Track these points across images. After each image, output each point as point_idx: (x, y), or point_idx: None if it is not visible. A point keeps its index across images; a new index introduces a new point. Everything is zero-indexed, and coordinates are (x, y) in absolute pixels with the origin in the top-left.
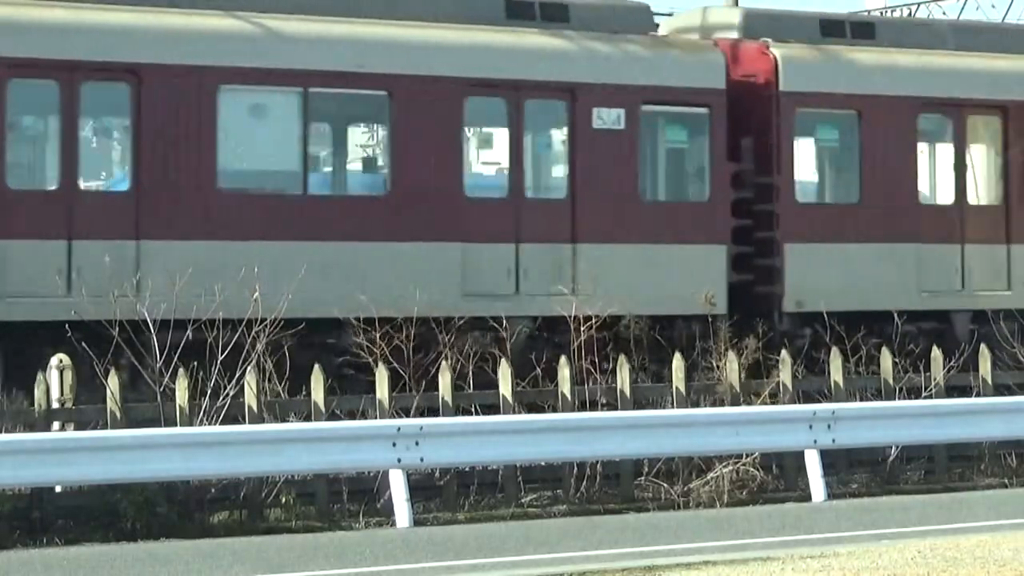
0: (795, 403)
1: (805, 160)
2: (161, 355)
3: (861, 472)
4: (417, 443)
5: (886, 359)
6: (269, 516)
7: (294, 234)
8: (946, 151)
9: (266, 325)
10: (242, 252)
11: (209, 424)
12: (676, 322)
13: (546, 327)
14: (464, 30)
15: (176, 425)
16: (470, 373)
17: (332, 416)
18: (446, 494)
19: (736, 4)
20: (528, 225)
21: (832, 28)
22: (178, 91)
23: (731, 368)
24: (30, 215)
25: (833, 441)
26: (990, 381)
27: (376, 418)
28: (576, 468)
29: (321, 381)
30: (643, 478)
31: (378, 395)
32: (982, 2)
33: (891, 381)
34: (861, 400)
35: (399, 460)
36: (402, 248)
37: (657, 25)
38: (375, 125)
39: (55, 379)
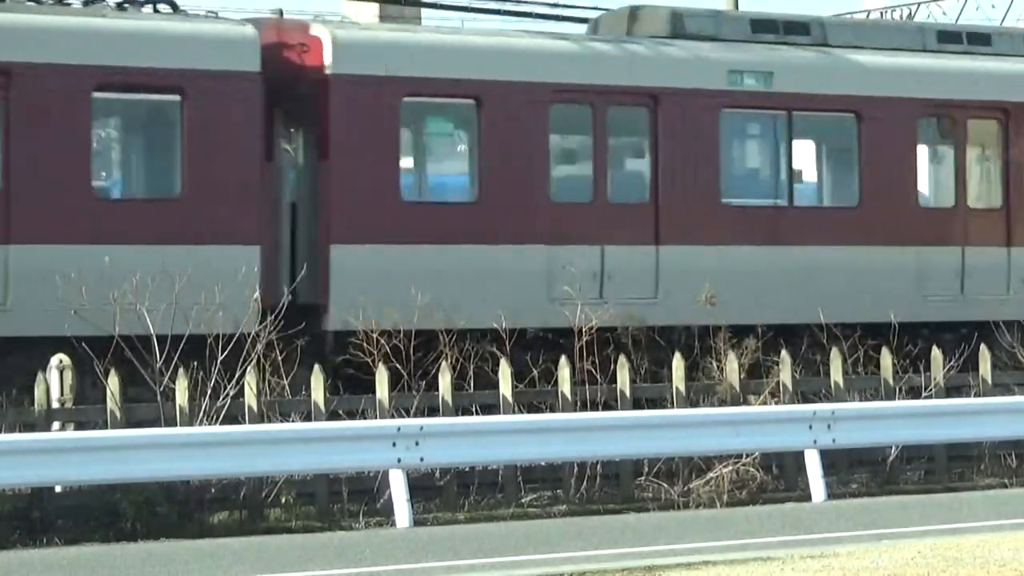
0: (795, 403)
1: None
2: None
3: (861, 472)
4: (417, 443)
5: (886, 359)
6: (269, 516)
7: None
8: None
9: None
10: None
11: (209, 424)
12: None
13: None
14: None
15: (176, 425)
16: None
17: (332, 416)
18: (446, 494)
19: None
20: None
21: None
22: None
23: (731, 368)
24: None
25: (833, 441)
26: (990, 381)
27: (376, 418)
28: (576, 468)
29: (321, 381)
30: (643, 478)
31: (378, 395)
32: (982, 2)
33: (891, 381)
34: (861, 400)
35: (399, 460)
36: None
37: None
38: None
39: (55, 379)
